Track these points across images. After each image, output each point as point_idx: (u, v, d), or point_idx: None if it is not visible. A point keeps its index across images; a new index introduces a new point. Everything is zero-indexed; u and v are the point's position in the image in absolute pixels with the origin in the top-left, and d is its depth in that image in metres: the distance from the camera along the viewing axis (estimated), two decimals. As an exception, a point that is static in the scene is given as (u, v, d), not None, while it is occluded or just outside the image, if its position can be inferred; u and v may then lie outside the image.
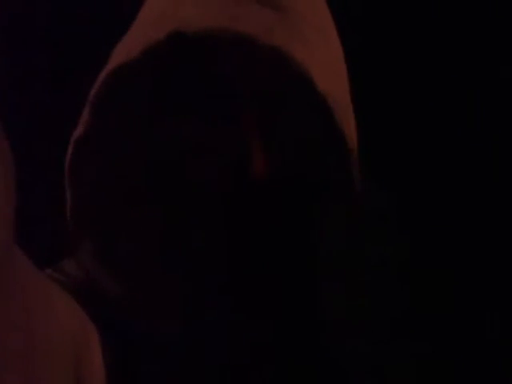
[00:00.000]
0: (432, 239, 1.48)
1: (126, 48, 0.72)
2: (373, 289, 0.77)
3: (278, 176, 0.70)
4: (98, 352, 0.65)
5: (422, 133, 1.58)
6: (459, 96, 1.58)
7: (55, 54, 1.60)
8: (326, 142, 0.73)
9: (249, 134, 0.70)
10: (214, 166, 0.70)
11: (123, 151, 0.74)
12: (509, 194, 1.55)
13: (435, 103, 1.59)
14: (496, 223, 1.55)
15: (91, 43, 1.56)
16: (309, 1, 0.77)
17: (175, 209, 0.72)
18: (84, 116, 0.73)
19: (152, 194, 0.73)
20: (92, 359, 0.65)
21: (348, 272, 0.74)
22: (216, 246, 0.71)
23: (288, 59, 0.69)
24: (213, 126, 0.71)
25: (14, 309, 0.53)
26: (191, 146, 0.71)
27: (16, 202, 0.50)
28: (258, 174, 0.69)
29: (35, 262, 0.60)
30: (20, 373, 0.54)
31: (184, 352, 0.71)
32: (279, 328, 0.73)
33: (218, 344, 0.72)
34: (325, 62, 0.73)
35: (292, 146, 0.72)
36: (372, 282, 0.77)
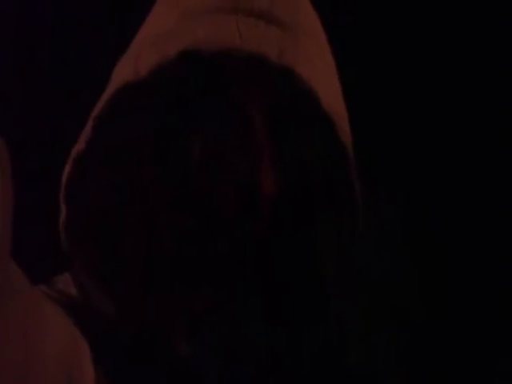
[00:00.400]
0: (433, 246, 1.48)
1: (133, 65, 0.71)
2: (376, 299, 0.77)
3: (286, 193, 0.71)
4: (90, 368, 0.65)
5: (418, 136, 1.58)
6: (458, 99, 1.58)
7: (53, 63, 1.59)
8: (329, 156, 0.73)
9: (258, 153, 0.70)
10: (223, 185, 0.70)
11: (124, 169, 0.74)
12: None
13: (431, 106, 1.59)
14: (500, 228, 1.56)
15: (88, 59, 1.56)
16: (305, 14, 0.78)
17: (179, 226, 0.72)
18: (86, 132, 0.72)
19: (153, 212, 0.73)
20: (83, 375, 0.64)
21: (353, 283, 0.74)
22: (224, 262, 0.71)
23: (296, 78, 0.70)
24: (222, 145, 0.71)
25: (10, 323, 0.52)
26: (199, 164, 0.71)
27: (13, 208, 0.50)
28: (268, 192, 0.70)
29: (29, 277, 0.59)
30: None
31: (182, 369, 0.71)
32: (286, 340, 0.73)
33: (221, 361, 0.71)
34: (324, 76, 0.74)
35: (299, 163, 0.73)
36: (376, 292, 0.77)
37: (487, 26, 1.58)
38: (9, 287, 0.52)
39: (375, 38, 1.58)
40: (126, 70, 0.72)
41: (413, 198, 1.50)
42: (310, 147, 0.73)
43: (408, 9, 1.59)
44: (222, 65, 0.70)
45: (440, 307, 1.39)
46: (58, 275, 0.76)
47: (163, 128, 0.72)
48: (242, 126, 0.71)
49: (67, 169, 0.73)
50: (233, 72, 0.71)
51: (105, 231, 0.74)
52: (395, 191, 1.43)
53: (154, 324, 0.71)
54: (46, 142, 1.52)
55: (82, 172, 0.73)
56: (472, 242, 1.53)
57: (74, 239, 0.73)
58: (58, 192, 0.73)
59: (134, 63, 0.71)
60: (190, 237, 0.71)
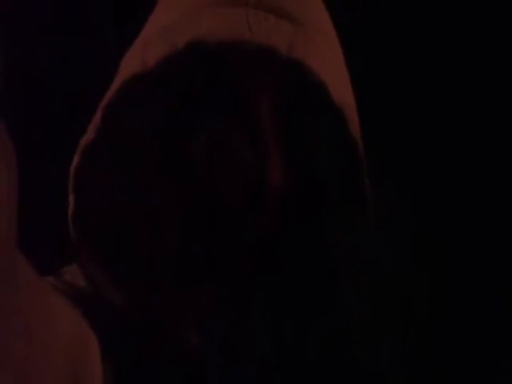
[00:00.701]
0: (440, 243, 1.48)
1: (141, 56, 0.71)
2: (382, 294, 0.76)
3: (294, 186, 0.71)
4: (97, 360, 0.64)
5: (427, 132, 1.58)
6: (466, 98, 1.58)
7: (58, 56, 1.60)
8: (338, 149, 0.73)
9: (266, 146, 0.70)
10: (229, 177, 0.70)
11: (131, 159, 0.74)
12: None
13: (439, 102, 1.59)
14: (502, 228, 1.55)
15: (93, 55, 1.56)
16: (316, 10, 0.78)
17: (185, 218, 0.72)
18: (95, 122, 0.72)
19: (160, 202, 0.73)
20: (90, 368, 0.63)
21: (360, 278, 0.74)
22: (229, 256, 0.71)
23: (306, 70, 0.70)
24: (229, 138, 0.71)
25: (14, 313, 0.52)
26: (205, 155, 0.71)
27: (18, 203, 0.50)
28: (275, 185, 0.69)
29: (36, 268, 0.59)
30: (18, 378, 0.53)
31: (189, 360, 0.71)
32: (291, 333, 0.73)
33: (227, 354, 0.71)
34: (334, 69, 0.74)
35: (307, 156, 0.72)
36: (382, 287, 0.77)
37: (494, 25, 1.57)
38: (13, 279, 0.52)
39: (384, 35, 1.57)
40: (134, 61, 0.72)
41: (421, 194, 1.49)
42: (319, 139, 0.73)
43: (416, 8, 1.59)
44: (230, 57, 0.70)
45: (443, 305, 1.39)
46: (67, 266, 0.76)
47: (170, 119, 0.72)
48: (249, 118, 0.71)
49: (76, 159, 0.73)
50: (241, 64, 0.70)
51: (113, 221, 0.74)
52: (403, 186, 1.42)
53: (162, 314, 0.71)
54: (53, 134, 1.53)
55: (90, 162, 0.73)
56: (477, 241, 1.53)
57: (83, 229, 0.73)
58: (67, 183, 0.73)
59: (142, 54, 0.71)
60: (196, 229, 0.71)
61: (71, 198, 0.73)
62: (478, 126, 1.57)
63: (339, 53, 0.78)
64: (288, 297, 0.73)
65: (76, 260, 0.75)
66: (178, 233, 0.72)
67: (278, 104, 0.71)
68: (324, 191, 0.73)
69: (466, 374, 1.41)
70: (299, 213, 0.72)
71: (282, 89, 0.71)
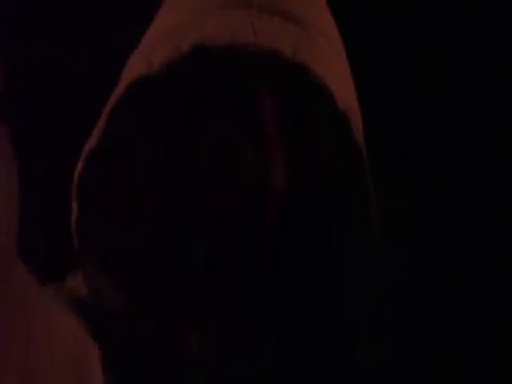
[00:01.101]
0: (442, 246, 1.48)
1: (146, 59, 0.71)
2: (384, 297, 0.76)
3: (297, 190, 0.71)
4: (98, 365, 0.64)
5: (431, 137, 1.58)
6: (461, 98, 1.58)
7: (61, 58, 1.60)
8: (342, 153, 0.73)
9: (270, 149, 0.70)
10: (232, 180, 0.70)
11: (136, 163, 0.73)
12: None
13: (444, 106, 1.59)
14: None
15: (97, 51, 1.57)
16: (319, 11, 0.78)
17: (191, 221, 0.71)
18: (99, 128, 0.72)
19: (166, 206, 0.72)
20: (92, 371, 0.63)
21: (364, 281, 0.74)
22: (236, 257, 0.70)
23: (310, 74, 0.69)
24: (232, 140, 0.70)
25: (14, 321, 0.52)
26: (208, 158, 0.71)
27: (19, 212, 0.49)
28: (279, 186, 0.69)
29: (39, 277, 0.58)
30: (21, 381, 0.52)
31: (192, 365, 0.70)
32: (294, 335, 0.73)
33: (229, 358, 0.70)
34: (338, 72, 0.74)
35: (311, 159, 0.72)
36: (385, 290, 0.76)
37: (494, 25, 1.58)
38: (14, 284, 0.52)
39: (386, 37, 1.58)
40: (139, 65, 0.72)
41: (420, 194, 1.50)
42: (322, 142, 0.73)
43: (416, 8, 1.59)
44: (234, 60, 0.70)
45: (444, 305, 1.39)
46: (70, 274, 0.76)
47: (174, 122, 0.72)
48: (253, 120, 0.71)
49: (79, 166, 0.72)
50: (245, 67, 0.70)
51: (116, 226, 0.74)
52: (405, 190, 1.42)
53: (165, 317, 0.71)
54: (56, 139, 1.53)
55: (94, 169, 0.72)
56: (478, 241, 1.53)
57: (86, 236, 0.73)
58: (70, 189, 0.72)
59: (147, 57, 0.71)
60: (199, 231, 0.71)
61: (74, 205, 0.72)
62: (477, 126, 1.57)
63: (343, 56, 0.78)
64: (290, 297, 0.72)
65: (79, 267, 0.74)
66: (181, 236, 0.71)
67: (281, 107, 0.71)
68: (327, 194, 0.73)
69: (467, 374, 1.41)
70: (302, 214, 0.72)
71: (286, 92, 0.71)
